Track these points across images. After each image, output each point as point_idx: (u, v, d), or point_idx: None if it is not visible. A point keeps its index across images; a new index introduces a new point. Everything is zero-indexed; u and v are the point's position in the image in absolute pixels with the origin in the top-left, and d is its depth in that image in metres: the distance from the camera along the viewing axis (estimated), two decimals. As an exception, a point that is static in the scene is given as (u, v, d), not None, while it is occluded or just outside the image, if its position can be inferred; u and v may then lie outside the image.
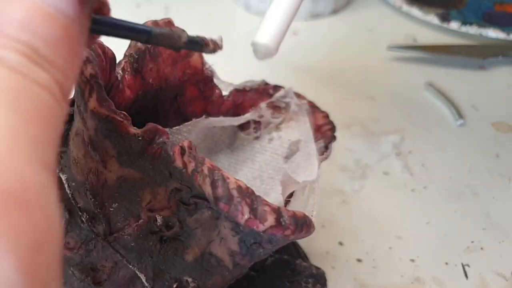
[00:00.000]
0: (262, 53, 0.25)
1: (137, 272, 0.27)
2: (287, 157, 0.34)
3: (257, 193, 0.24)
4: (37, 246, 0.13)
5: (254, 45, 0.25)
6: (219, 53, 0.23)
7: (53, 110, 0.15)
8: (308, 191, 0.29)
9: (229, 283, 0.28)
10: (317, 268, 0.34)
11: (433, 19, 0.61)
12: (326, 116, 0.34)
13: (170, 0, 0.65)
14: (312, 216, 0.27)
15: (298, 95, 0.35)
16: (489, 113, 0.50)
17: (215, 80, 0.34)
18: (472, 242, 0.39)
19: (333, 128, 0.33)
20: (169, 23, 0.30)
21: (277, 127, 0.35)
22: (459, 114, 0.50)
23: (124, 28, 0.20)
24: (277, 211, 0.24)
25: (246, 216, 0.23)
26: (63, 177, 0.27)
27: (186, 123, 0.33)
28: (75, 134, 0.26)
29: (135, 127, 0.24)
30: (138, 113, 0.29)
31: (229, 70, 0.36)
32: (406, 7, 0.62)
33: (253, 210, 0.23)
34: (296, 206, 0.29)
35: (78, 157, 0.26)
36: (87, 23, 0.17)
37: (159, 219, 0.26)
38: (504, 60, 0.56)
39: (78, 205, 0.26)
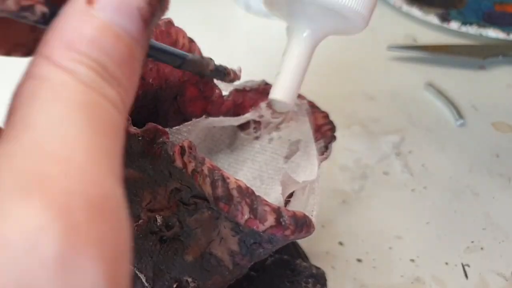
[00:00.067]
0: (280, 107, 0.28)
1: (137, 272, 0.27)
2: (287, 157, 0.34)
3: (257, 193, 0.24)
4: (119, 255, 0.14)
5: (272, 101, 0.27)
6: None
7: (119, 124, 0.16)
8: (308, 191, 0.29)
9: (229, 283, 0.28)
10: (317, 268, 0.34)
11: (433, 19, 0.60)
12: (326, 116, 0.34)
13: (170, 0, 0.65)
14: (312, 216, 0.27)
15: (298, 95, 0.34)
16: (489, 113, 0.51)
17: (215, 80, 0.34)
18: (472, 242, 0.39)
19: (333, 128, 0.33)
20: (169, 23, 0.29)
21: (277, 127, 0.35)
22: (459, 114, 0.50)
23: (164, 52, 0.20)
24: (277, 211, 0.24)
25: (246, 216, 0.23)
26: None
27: (186, 123, 0.33)
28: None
29: (135, 127, 0.24)
30: (138, 113, 0.29)
31: (229, 70, 0.36)
32: (406, 7, 0.62)
33: (253, 210, 0.23)
34: (296, 206, 0.29)
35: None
36: (147, 44, 0.17)
37: (159, 219, 0.26)
38: (504, 60, 0.56)
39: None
